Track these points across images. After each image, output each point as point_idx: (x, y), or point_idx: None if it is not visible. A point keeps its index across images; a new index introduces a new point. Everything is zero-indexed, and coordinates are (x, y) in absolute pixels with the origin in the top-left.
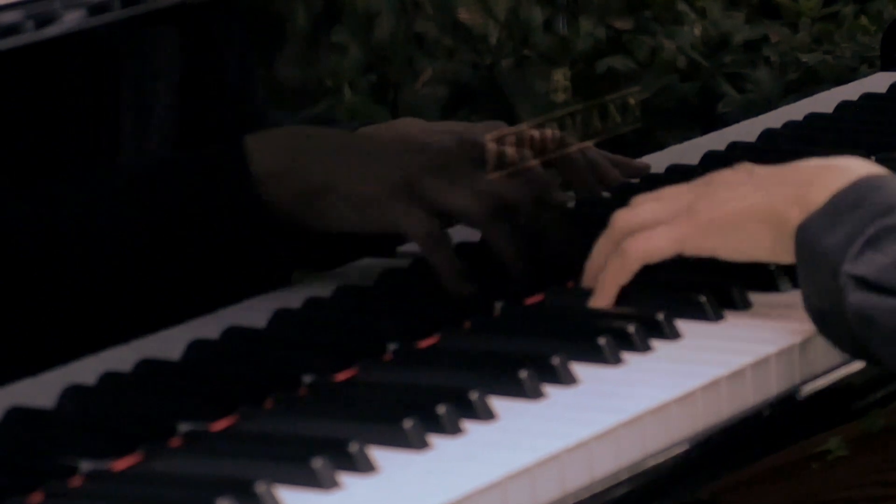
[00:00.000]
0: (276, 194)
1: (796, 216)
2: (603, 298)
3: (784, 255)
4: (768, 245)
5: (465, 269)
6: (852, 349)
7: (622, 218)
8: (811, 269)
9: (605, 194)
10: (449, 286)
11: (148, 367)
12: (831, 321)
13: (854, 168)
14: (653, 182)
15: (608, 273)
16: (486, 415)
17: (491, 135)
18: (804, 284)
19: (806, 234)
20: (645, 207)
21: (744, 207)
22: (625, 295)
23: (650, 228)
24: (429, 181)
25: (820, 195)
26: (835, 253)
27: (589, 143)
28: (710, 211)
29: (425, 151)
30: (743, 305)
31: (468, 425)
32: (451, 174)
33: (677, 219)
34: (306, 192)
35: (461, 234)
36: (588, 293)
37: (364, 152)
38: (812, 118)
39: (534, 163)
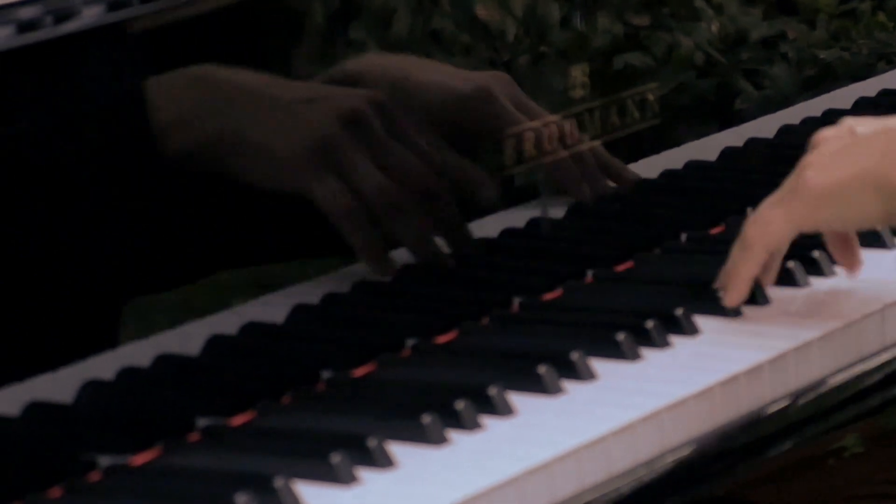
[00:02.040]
0: (178, 141)
1: None
2: (736, 294)
3: None
4: (880, 211)
5: (384, 248)
6: None
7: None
8: None
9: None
10: (369, 265)
11: (166, 363)
12: None
13: None
14: (672, 178)
15: (736, 266)
16: (505, 410)
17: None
18: None
19: None
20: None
21: (852, 175)
22: (642, 291)
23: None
24: (343, 152)
25: None
26: None
27: (593, 145)
28: (818, 181)
29: (345, 112)
30: (762, 300)
31: (487, 421)
32: (366, 144)
33: (788, 195)
34: (211, 141)
35: (477, 229)
36: (606, 288)
37: (278, 104)
38: (830, 114)
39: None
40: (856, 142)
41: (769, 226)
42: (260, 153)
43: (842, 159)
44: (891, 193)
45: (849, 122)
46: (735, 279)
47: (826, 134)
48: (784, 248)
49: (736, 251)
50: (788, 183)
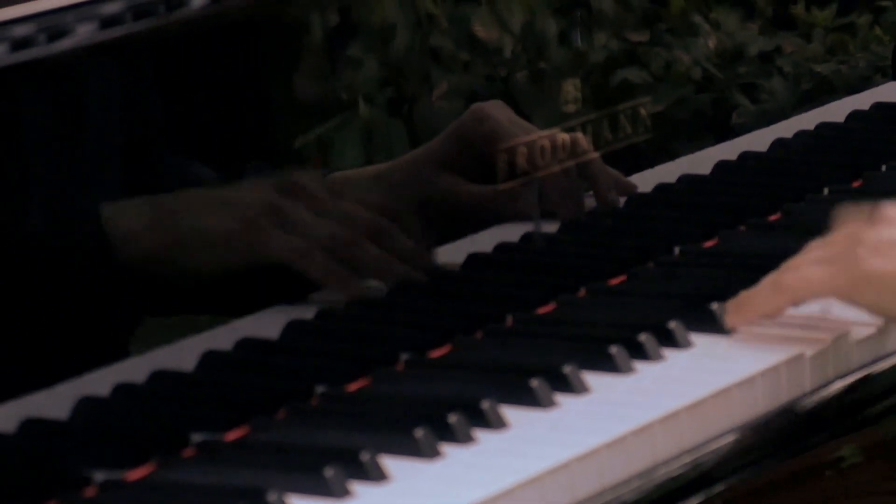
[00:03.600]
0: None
1: None
2: (738, 319)
3: None
4: None
5: (346, 274)
6: None
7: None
8: None
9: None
10: (335, 293)
11: (161, 379)
12: None
13: None
14: (665, 192)
15: (755, 297)
16: (498, 424)
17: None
18: None
19: None
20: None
21: None
22: (635, 305)
23: (808, 265)
24: (285, 204)
25: None
26: None
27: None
28: (873, 265)
29: (278, 185)
30: None
31: (480, 434)
32: (304, 199)
33: (837, 263)
34: (169, 246)
35: (470, 244)
36: (600, 302)
37: (221, 197)
38: (823, 128)
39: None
40: None
41: (808, 282)
42: (213, 241)
43: None
44: None
45: None
46: (748, 310)
47: (891, 214)
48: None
49: (766, 287)
50: (840, 248)
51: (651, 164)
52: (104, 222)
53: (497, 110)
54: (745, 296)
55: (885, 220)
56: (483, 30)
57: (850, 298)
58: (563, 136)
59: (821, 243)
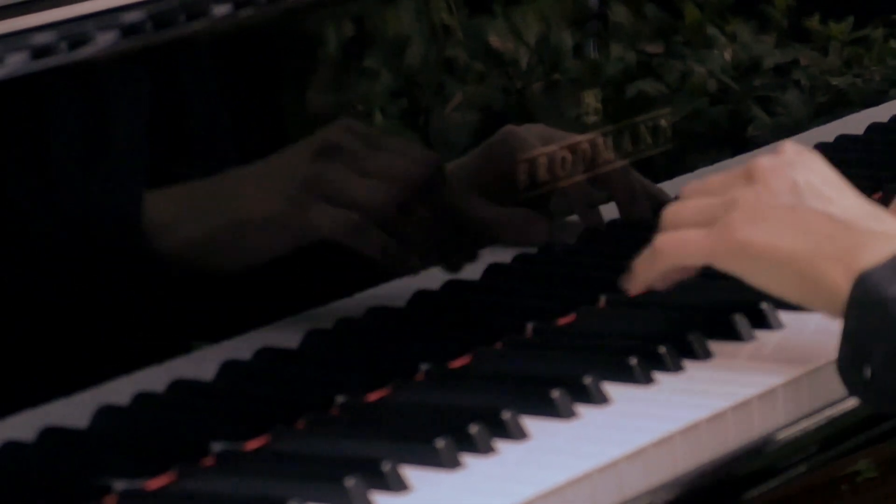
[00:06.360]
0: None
1: (838, 276)
2: (633, 287)
3: (811, 303)
4: (796, 291)
5: (396, 246)
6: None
7: (668, 212)
8: (868, 316)
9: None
10: (387, 266)
11: (181, 388)
12: (878, 370)
13: None
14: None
15: (639, 265)
16: (519, 434)
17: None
18: (851, 335)
19: (868, 283)
20: (690, 205)
21: (782, 249)
22: (655, 316)
23: (687, 229)
24: (326, 176)
25: (870, 260)
26: None
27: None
28: (746, 232)
29: (316, 147)
30: (775, 325)
31: (500, 445)
32: (345, 164)
33: (713, 229)
34: (208, 236)
35: (490, 255)
36: (619, 313)
37: (259, 176)
38: (842, 140)
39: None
40: (799, 216)
41: (683, 246)
42: (256, 226)
43: (778, 227)
44: (815, 281)
45: (797, 171)
46: (635, 277)
47: (768, 177)
48: (692, 269)
49: (647, 252)
50: (717, 210)
51: (668, 177)
52: (140, 217)
53: (529, 134)
54: (634, 264)
55: (759, 176)
56: (498, 41)
57: (727, 269)
58: (585, 150)
59: (701, 199)
